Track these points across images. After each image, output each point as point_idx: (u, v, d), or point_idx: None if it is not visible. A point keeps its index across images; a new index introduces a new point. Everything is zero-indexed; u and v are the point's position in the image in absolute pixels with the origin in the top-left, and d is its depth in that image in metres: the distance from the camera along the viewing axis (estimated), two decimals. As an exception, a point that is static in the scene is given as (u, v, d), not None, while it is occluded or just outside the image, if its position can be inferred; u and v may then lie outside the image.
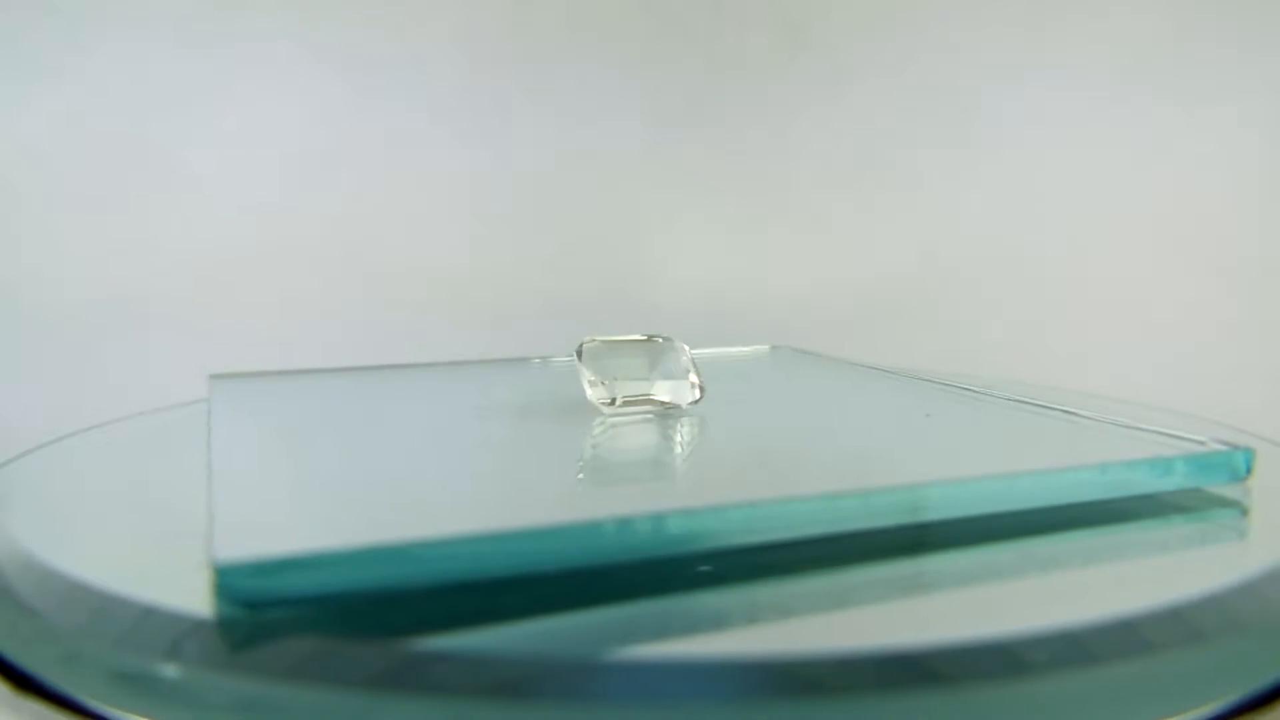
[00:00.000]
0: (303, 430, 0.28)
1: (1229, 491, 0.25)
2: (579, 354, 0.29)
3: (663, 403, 0.28)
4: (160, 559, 0.20)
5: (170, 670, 0.15)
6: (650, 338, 0.29)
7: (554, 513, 0.19)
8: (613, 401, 0.28)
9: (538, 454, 0.26)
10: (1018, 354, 0.50)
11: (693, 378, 0.29)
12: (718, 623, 0.17)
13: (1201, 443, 0.26)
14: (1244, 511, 0.25)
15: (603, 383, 0.28)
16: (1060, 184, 0.52)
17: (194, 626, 0.16)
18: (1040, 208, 0.52)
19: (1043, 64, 0.51)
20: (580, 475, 0.25)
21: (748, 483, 0.24)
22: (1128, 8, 0.50)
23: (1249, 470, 0.25)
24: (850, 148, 0.53)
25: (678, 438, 0.27)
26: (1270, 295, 0.49)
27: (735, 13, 0.52)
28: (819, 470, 0.25)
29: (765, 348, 0.44)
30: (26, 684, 0.17)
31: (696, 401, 0.29)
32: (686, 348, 0.30)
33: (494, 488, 0.23)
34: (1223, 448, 0.25)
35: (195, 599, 0.17)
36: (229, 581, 0.15)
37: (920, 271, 0.52)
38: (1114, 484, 0.23)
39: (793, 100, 0.52)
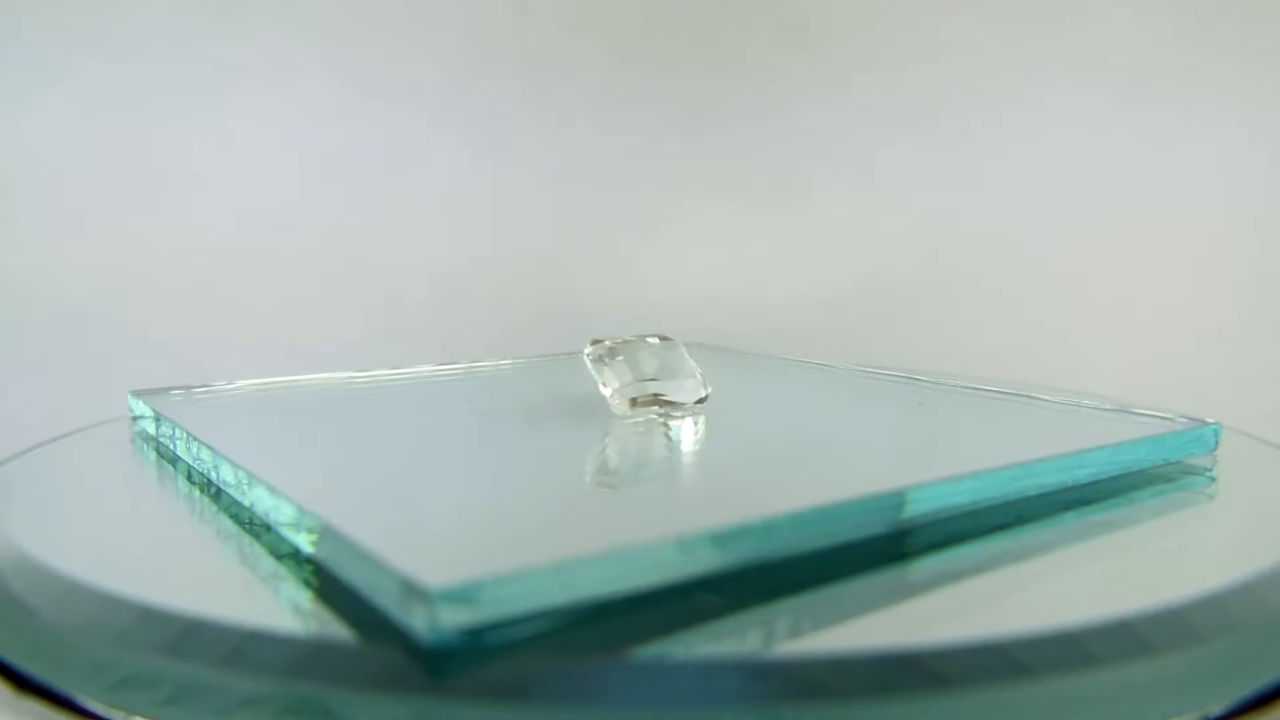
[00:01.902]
0: (327, 443, 0.28)
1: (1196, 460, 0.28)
2: (589, 355, 0.30)
3: (674, 402, 0.29)
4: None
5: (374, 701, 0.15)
6: (646, 338, 0.30)
7: (703, 518, 0.18)
8: (633, 402, 0.29)
9: (586, 456, 0.26)
10: (1017, 353, 0.50)
11: (699, 375, 0.30)
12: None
13: (1169, 419, 0.29)
14: (1214, 478, 0.27)
15: (617, 384, 0.29)
16: (1060, 184, 0.51)
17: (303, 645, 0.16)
18: (1040, 208, 0.51)
19: (1043, 64, 0.51)
20: (661, 477, 0.25)
21: (876, 471, 0.24)
22: (1128, 9, 0.49)
23: (1217, 442, 0.28)
24: (850, 148, 0.52)
25: (729, 438, 0.28)
26: (1270, 296, 0.49)
27: (735, 13, 0.52)
28: (876, 464, 0.26)
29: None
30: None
31: (703, 399, 0.30)
32: (683, 346, 0.31)
33: (591, 494, 0.23)
34: (1192, 423, 0.28)
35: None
36: (446, 608, 0.15)
37: (920, 271, 0.52)
38: (1109, 463, 0.25)
39: (792, 100, 0.52)
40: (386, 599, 0.16)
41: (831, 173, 0.52)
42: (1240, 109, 0.49)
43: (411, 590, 0.15)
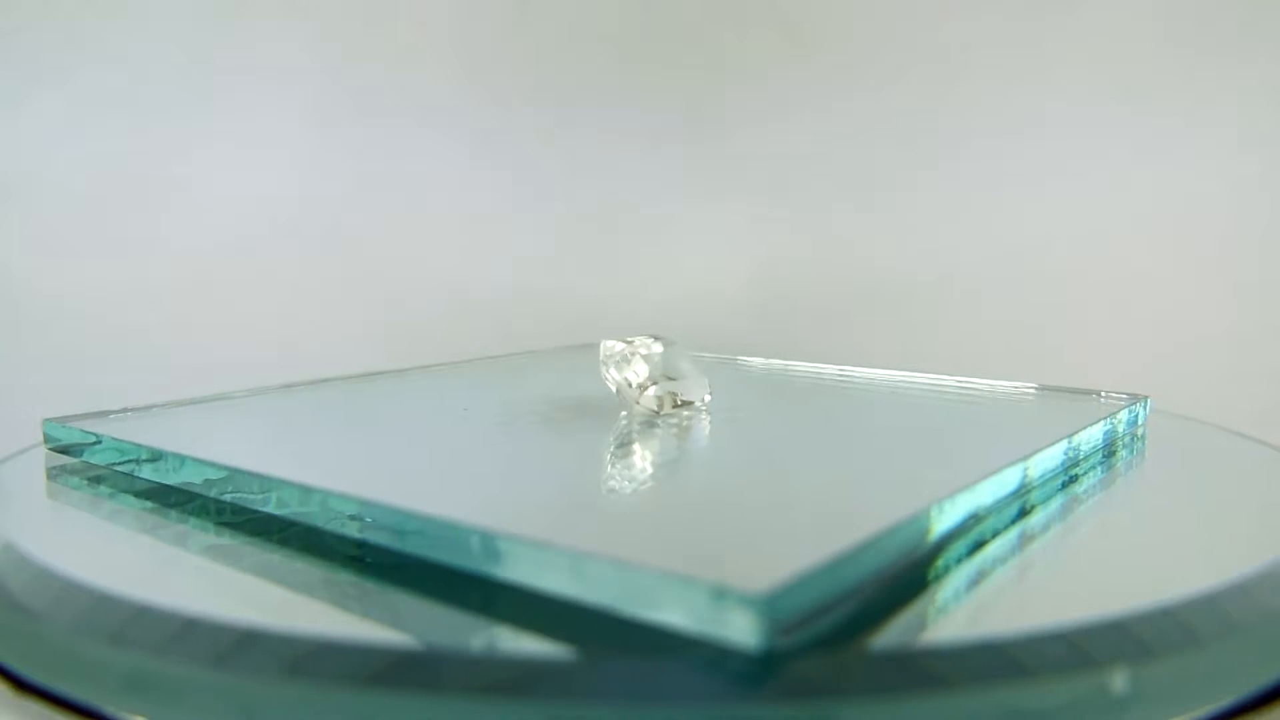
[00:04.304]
0: (345, 449, 0.26)
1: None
2: (605, 354, 0.30)
3: (687, 400, 0.30)
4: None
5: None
6: (651, 338, 0.30)
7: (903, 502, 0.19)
8: (656, 400, 0.29)
9: (652, 453, 0.26)
10: (1016, 353, 0.50)
11: (702, 375, 0.31)
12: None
13: (1099, 394, 0.33)
14: (1145, 445, 0.31)
15: (638, 382, 0.29)
16: (1060, 184, 0.51)
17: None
18: (1040, 208, 0.51)
19: (1042, 65, 0.50)
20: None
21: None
22: (1128, 10, 0.49)
23: (1148, 413, 0.32)
24: (851, 150, 0.52)
25: (765, 435, 0.29)
26: (1270, 295, 0.49)
27: (735, 14, 0.51)
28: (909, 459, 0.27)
29: (585, 344, 0.46)
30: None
31: (708, 398, 0.31)
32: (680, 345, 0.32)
33: (714, 489, 0.23)
34: (1126, 398, 0.32)
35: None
36: (771, 610, 0.15)
37: (919, 271, 0.52)
38: (1082, 447, 0.27)
39: (792, 101, 0.52)
40: (683, 610, 0.15)
41: (831, 175, 0.52)
42: (1241, 110, 0.49)
43: (733, 598, 0.15)
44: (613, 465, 0.25)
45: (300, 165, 0.51)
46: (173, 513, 0.23)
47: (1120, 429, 0.30)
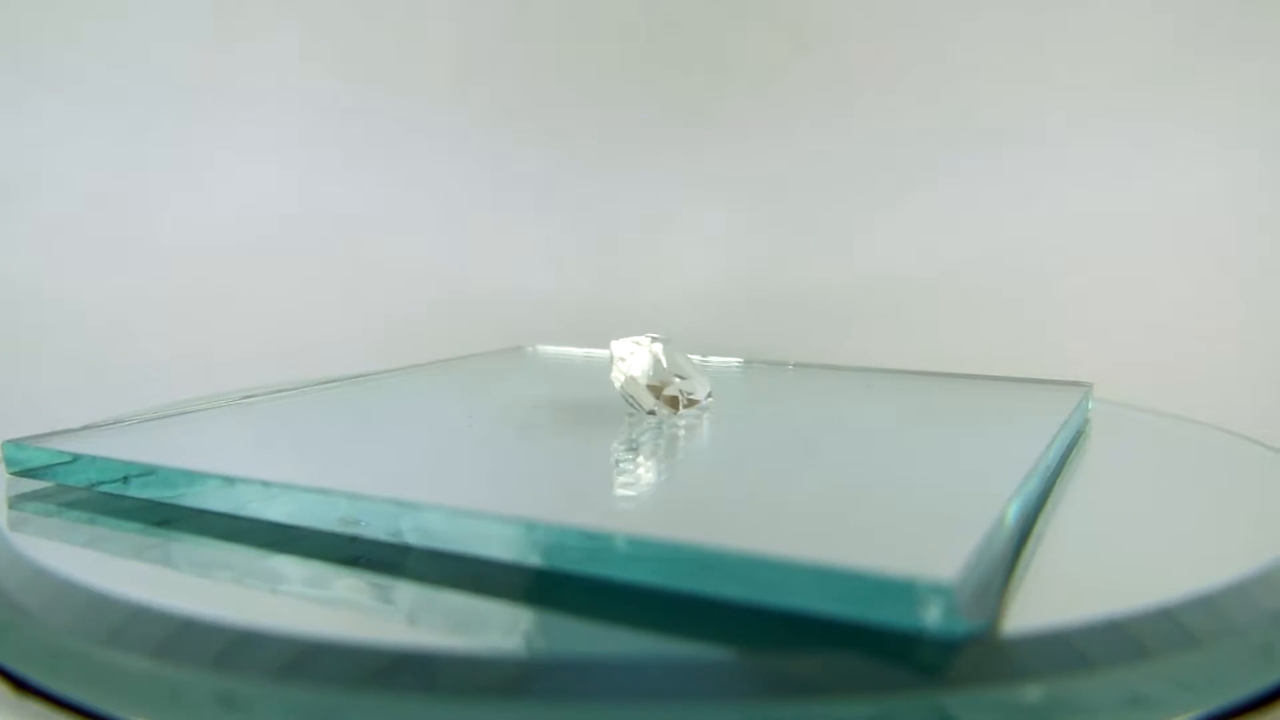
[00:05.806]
0: (360, 454, 0.26)
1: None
2: (612, 356, 0.31)
3: (695, 399, 0.32)
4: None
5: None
6: (652, 338, 0.32)
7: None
8: (670, 400, 0.31)
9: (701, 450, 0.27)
10: (1015, 353, 0.50)
11: (703, 374, 0.32)
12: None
13: (1045, 380, 0.36)
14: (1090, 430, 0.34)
15: (651, 381, 0.31)
16: (1060, 184, 0.50)
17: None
18: (1040, 208, 0.51)
19: (1043, 63, 0.50)
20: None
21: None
22: (1129, 10, 0.49)
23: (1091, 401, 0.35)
24: (851, 150, 0.52)
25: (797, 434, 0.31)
26: (1271, 296, 0.49)
27: (735, 13, 0.51)
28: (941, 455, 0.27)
29: (514, 347, 0.48)
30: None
31: (710, 396, 0.32)
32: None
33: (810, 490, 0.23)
34: (1070, 381, 0.35)
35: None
36: (961, 595, 0.15)
37: (919, 270, 0.52)
38: (1068, 440, 0.29)
39: (792, 100, 0.51)
40: (866, 604, 0.15)
41: (832, 176, 0.52)
42: (1241, 110, 0.48)
43: (925, 589, 0.15)
44: (668, 466, 0.26)
45: (300, 165, 0.51)
46: (164, 525, 0.23)
47: (1083, 418, 0.33)
